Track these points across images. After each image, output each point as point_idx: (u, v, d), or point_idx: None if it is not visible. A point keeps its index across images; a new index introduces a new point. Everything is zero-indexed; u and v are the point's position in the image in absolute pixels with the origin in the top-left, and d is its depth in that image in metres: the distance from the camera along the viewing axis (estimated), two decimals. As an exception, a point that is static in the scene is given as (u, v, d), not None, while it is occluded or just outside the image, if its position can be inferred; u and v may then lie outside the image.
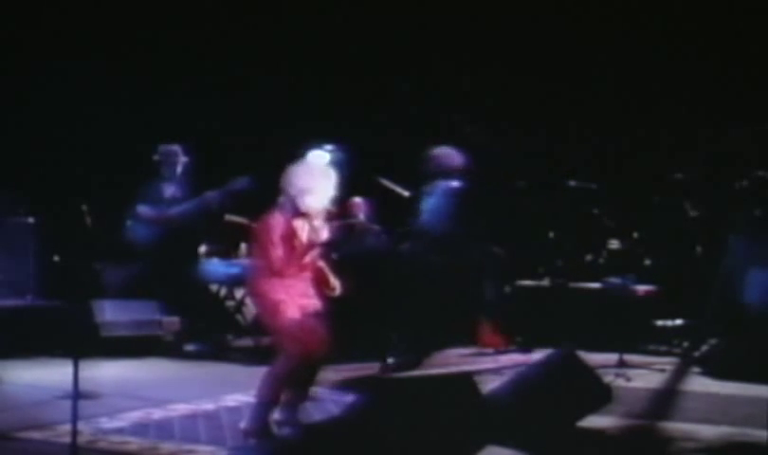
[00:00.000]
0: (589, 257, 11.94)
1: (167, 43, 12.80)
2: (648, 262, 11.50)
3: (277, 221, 6.78)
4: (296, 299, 6.73)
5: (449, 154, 10.17)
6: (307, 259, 6.79)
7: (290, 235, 6.73)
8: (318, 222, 6.83)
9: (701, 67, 11.96)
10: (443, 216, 9.89)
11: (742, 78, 11.70)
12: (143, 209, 10.73)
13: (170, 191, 10.85)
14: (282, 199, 6.85)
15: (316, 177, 6.88)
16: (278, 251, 6.69)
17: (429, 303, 9.65)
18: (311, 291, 6.84)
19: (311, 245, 6.80)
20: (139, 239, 10.80)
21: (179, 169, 10.88)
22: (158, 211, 10.70)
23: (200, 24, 13.04)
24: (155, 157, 10.90)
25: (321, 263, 6.97)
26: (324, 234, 6.86)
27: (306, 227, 6.79)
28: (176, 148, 10.93)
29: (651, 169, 12.29)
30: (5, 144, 11.39)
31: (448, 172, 10.08)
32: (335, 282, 6.97)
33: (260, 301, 6.95)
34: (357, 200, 11.08)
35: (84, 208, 11.06)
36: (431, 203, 10.01)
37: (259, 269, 6.84)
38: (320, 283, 6.92)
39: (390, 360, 9.32)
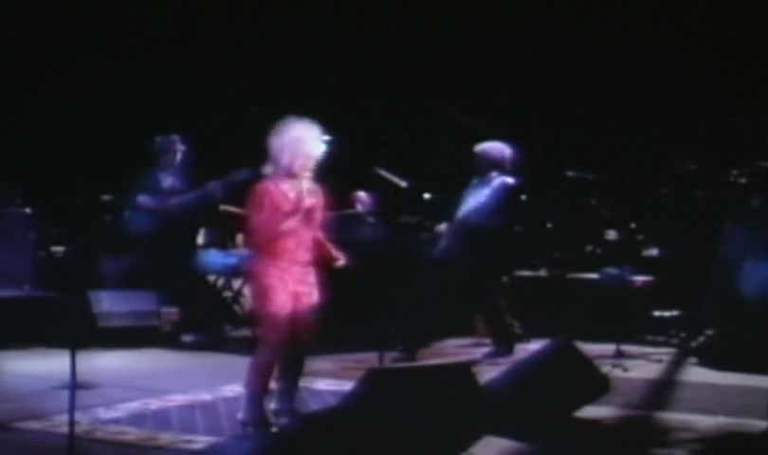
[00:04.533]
0: (586, 248, 11.95)
1: (167, 33, 12.79)
2: (645, 252, 11.51)
3: (265, 187, 6.72)
4: (290, 285, 6.68)
5: (502, 149, 9.94)
6: (295, 223, 6.71)
7: (279, 199, 6.67)
8: (307, 183, 6.80)
9: (701, 57, 11.95)
10: (494, 211, 9.65)
11: (743, 68, 11.70)
12: (144, 199, 10.70)
13: (168, 181, 10.82)
14: (269, 166, 6.81)
15: (302, 139, 6.81)
16: (262, 215, 6.64)
17: (428, 294, 9.64)
18: (310, 279, 6.81)
19: (300, 208, 6.74)
20: (137, 229, 10.79)
21: (178, 158, 10.87)
22: (159, 201, 10.68)
23: (199, 16, 13.02)
24: (154, 147, 10.89)
25: (322, 237, 6.91)
26: (315, 197, 6.82)
27: (296, 189, 6.74)
28: (175, 137, 10.91)
29: (650, 159, 12.30)
30: (2, 136, 11.38)
31: (499, 167, 9.81)
32: (338, 254, 6.96)
33: (253, 284, 6.93)
34: (361, 193, 11.05)
35: (84, 199, 11.07)
36: (483, 196, 9.73)
37: (256, 251, 6.78)
38: (324, 257, 6.90)
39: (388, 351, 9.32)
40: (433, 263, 9.78)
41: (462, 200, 9.83)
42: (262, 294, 6.72)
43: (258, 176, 6.93)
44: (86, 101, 12.12)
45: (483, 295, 9.88)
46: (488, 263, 9.67)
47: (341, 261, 6.98)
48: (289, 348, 6.73)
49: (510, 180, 9.76)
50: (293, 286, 6.71)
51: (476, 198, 9.74)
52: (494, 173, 9.77)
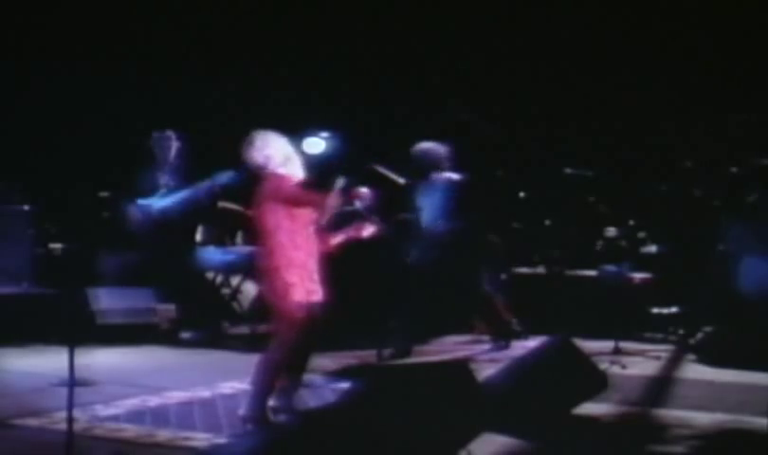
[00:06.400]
0: (585, 245, 11.95)
1: (163, 32, 12.78)
2: (644, 249, 11.52)
3: (284, 178, 6.71)
4: (306, 282, 6.65)
5: (438, 148, 10.01)
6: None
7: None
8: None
9: (700, 55, 11.96)
10: (446, 211, 9.72)
11: (741, 66, 11.70)
12: (132, 212, 10.67)
13: (164, 178, 10.83)
14: (267, 174, 6.78)
15: (285, 145, 6.84)
16: (295, 187, 6.63)
17: (426, 293, 9.63)
18: (317, 276, 6.77)
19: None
20: (135, 227, 10.78)
21: (172, 153, 10.87)
22: (144, 212, 10.61)
23: (196, 13, 13.02)
24: (150, 143, 10.89)
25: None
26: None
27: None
28: (170, 133, 10.93)
29: (649, 156, 12.30)
30: (1, 134, 11.37)
31: (440, 166, 9.90)
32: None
33: (271, 280, 6.68)
34: (362, 190, 11.02)
35: (83, 196, 11.07)
36: (433, 199, 9.83)
37: (275, 246, 6.63)
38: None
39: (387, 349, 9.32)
40: (413, 269, 9.75)
41: (419, 207, 9.77)
42: (282, 291, 6.61)
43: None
44: (85, 99, 12.12)
45: (466, 295, 9.88)
46: (460, 265, 9.65)
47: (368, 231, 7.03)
48: (300, 346, 6.71)
49: (455, 176, 9.76)
50: (308, 283, 6.67)
51: (431, 204, 9.72)
52: (435, 173, 9.76)
